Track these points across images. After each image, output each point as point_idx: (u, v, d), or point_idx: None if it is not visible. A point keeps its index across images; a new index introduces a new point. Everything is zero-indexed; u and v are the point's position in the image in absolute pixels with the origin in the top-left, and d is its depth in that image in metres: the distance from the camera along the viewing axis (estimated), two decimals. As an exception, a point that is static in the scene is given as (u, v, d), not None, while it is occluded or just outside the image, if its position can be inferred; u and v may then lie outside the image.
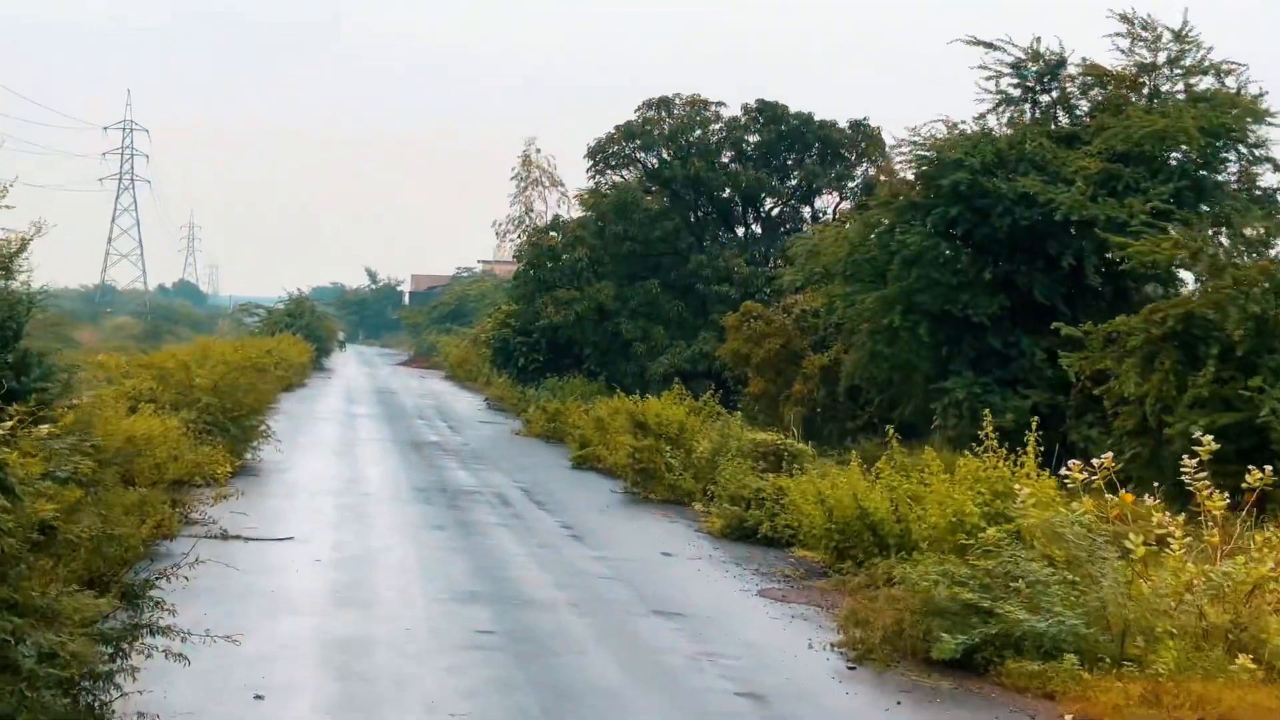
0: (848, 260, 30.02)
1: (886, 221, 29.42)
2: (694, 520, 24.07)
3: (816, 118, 47.28)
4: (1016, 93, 30.51)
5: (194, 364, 27.77)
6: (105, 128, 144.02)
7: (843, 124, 47.41)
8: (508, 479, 28.85)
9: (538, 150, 76.31)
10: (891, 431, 19.94)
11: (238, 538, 18.68)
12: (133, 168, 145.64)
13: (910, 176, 29.75)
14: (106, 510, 15.22)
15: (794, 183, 48.29)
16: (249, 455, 27.79)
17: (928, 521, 16.88)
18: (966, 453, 18.31)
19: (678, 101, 48.27)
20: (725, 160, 48.02)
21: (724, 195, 48.50)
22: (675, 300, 46.44)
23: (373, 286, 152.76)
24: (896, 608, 14.00)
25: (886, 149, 46.88)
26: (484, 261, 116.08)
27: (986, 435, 17.58)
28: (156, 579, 10.02)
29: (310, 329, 75.69)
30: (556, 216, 51.61)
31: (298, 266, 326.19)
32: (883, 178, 30.25)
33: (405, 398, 56.86)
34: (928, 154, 28.52)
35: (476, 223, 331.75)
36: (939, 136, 28.87)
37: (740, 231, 49.74)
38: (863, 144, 47.16)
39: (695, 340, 44.02)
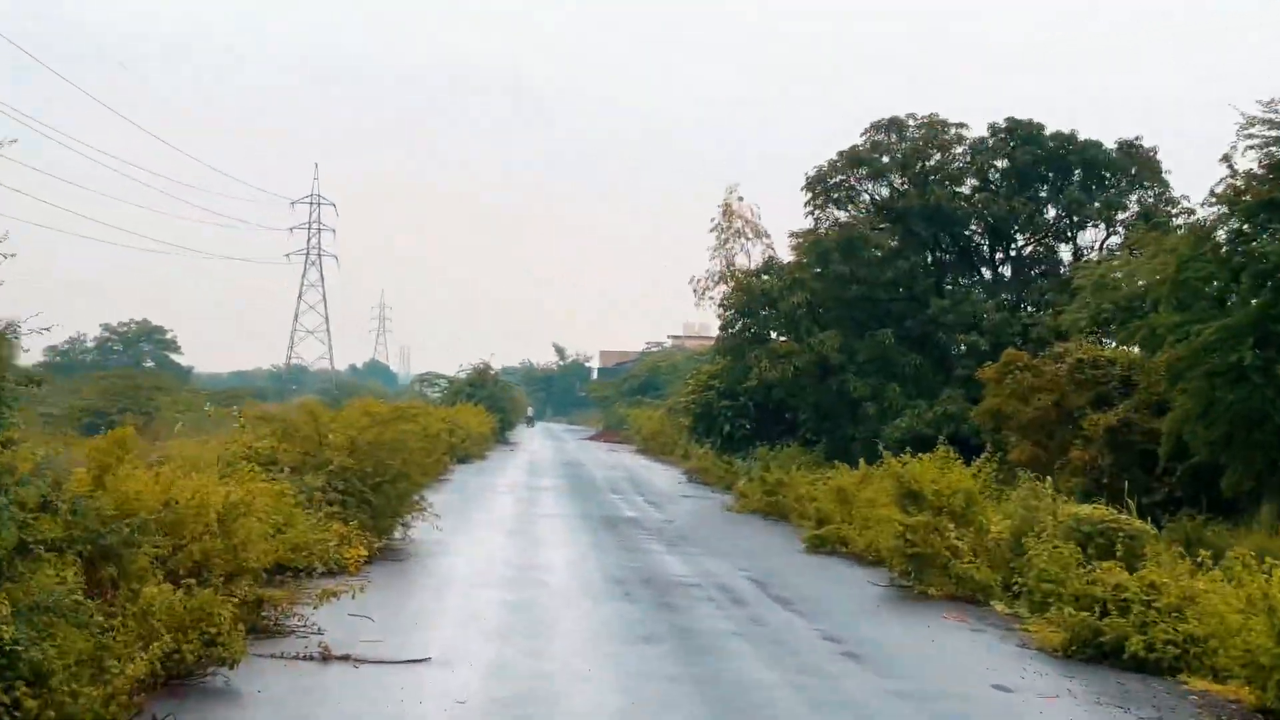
0: (1175, 280, 22.93)
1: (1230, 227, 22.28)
2: (1001, 625, 17.03)
3: (1080, 136, 39.66)
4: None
5: (329, 418, 21.64)
6: (293, 202, 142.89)
7: (1109, 145, 39.77)
8: (730, 565, 22.01)
9: (739, 199, 67.37)
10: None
11: (344, 659, 12.14)
12: (319, 242, 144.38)
13: (1257, 169, 22.59)
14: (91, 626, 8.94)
15: (1051, 215, 40.67)
16: (397, 534, 21.53)
17: None
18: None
19: (910, 123, 40.99)
20: (968, 190, 40.75)
21: (966, 231, 41.09)
22: (911, 353, 39.13)
23: (561, 363, 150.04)
24: None
25: (1163, 173, 39.70)
26: (674, 336, 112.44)
27: None
28: None
29: (494, 399, 70.47)
30: (770, 257, 44.40)
31: (487, 345, 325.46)
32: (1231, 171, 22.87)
33: (595, 470, 50.95)
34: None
35: (665, 298, 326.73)
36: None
37: (986, 273, 42.14)
38: (1134, 169, 39.39)
39: (937, 399, 36.80)
